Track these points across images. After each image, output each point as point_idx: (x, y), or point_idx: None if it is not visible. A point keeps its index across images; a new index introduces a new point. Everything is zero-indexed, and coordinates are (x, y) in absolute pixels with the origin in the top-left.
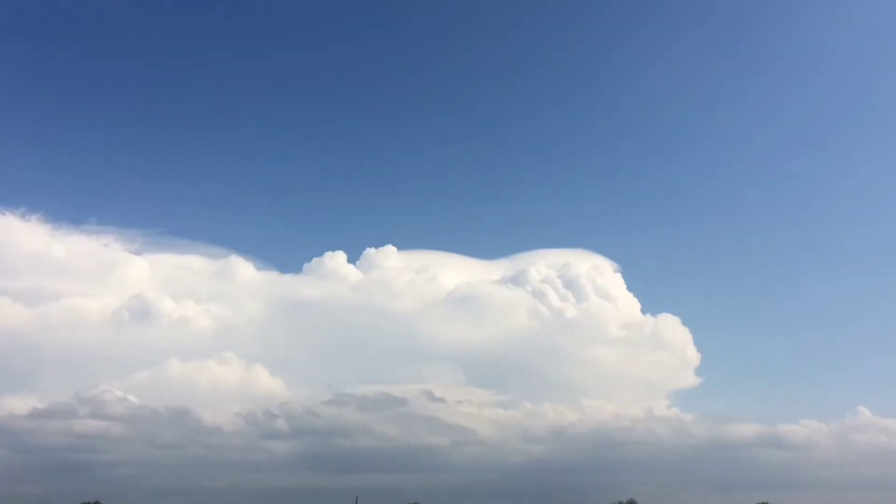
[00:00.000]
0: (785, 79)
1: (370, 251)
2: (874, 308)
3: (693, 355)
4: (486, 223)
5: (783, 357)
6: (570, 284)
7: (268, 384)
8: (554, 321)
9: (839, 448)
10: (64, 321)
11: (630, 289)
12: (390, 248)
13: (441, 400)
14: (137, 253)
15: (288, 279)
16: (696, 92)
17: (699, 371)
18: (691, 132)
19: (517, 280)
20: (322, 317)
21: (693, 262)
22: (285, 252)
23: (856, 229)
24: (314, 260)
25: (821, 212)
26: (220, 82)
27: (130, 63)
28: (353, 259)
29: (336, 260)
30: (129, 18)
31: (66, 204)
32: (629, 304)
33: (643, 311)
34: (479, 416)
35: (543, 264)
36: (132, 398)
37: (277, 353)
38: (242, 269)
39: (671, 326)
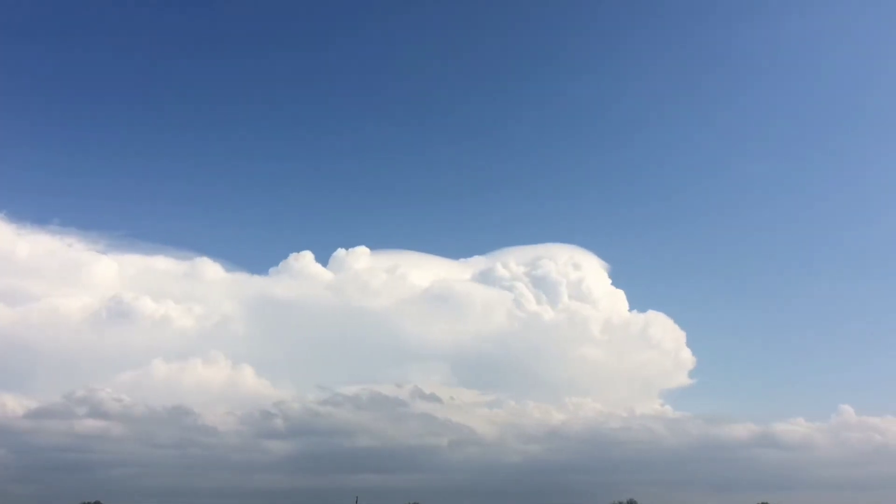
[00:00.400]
0: (783, 80)
1: (340, 251)
2: (861, 309)
3: (686, 354)
4: (466, 222)
5: (776, 357)
6: (555, 282)
7: (256, 384)
8: (539, 319)
9: (834, 447)
10: (46, 321)
11: (622, 288)
12: (362, 249)
13: (433, 399)
14: (104, 254)
15: (261, 280)
16: (693, 91)
17: (693, 370)
18: (687, 131)
19: (497, 277)
20: (301, 317)
21: (685, 261)
22: (250, 254)
23: (851, 233)
24: (282, 262)
25: (816, 214)
26: (185, 84)
27: (94, 63)
28: (319, 260)
29: (303, 260)
30: (105, 17)
31: (29, 204)
32: (617, 301)
33: (634, 309)
34: (473, 415)
35: (525, 260)
36: (124, 398)
37: (262, 354)
38: (213, 270)
39: (660, 324)
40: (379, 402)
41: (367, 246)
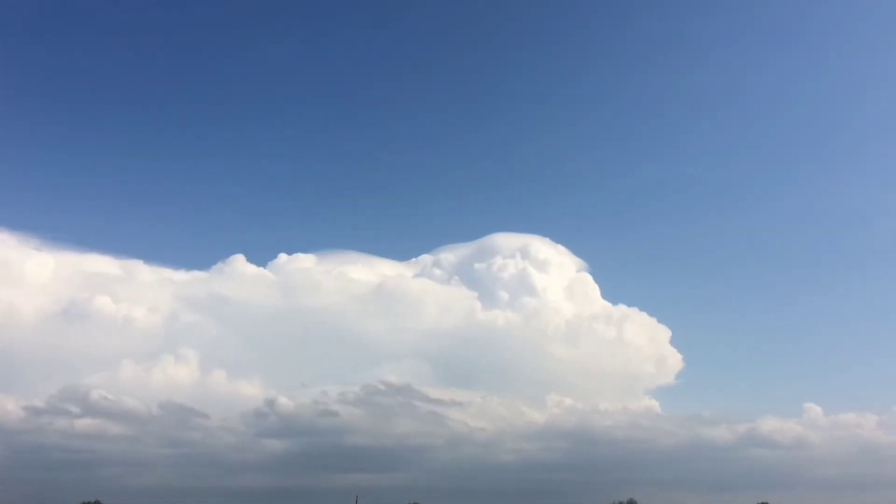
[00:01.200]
0: (774, 81)
1: (283, 256)
2: (843, 311)
3: (672, 352)
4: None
5: (760, 356)
6: (524, 278)
7: (236, 385)
8: (517, 316)
9: (825, 445)
10: (10, 321)
11: (602, 286)
12: (309, 257)
13: (415, 397)
14: (39, 252)
15: (210, 282)
16: (686, 90)
17: (680, 370)
18: (675, 129)
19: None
20: (260, 318)
21: (666, 261)
22: (185, 256)
23: (838, 235)
24: (221, 265)
25: (803, 218)
26: (111, 80)
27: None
28: (259, 262)
29: (238, 263)
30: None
31: None
32: (597, 298)
33: (614, 304)
34: (457, 413)
35: (505, 250)
36: (101, 396)
37: (232, 355)
38: (153, 271)
39: (643, 323)
40: (362, 401)
41: (304, 247)
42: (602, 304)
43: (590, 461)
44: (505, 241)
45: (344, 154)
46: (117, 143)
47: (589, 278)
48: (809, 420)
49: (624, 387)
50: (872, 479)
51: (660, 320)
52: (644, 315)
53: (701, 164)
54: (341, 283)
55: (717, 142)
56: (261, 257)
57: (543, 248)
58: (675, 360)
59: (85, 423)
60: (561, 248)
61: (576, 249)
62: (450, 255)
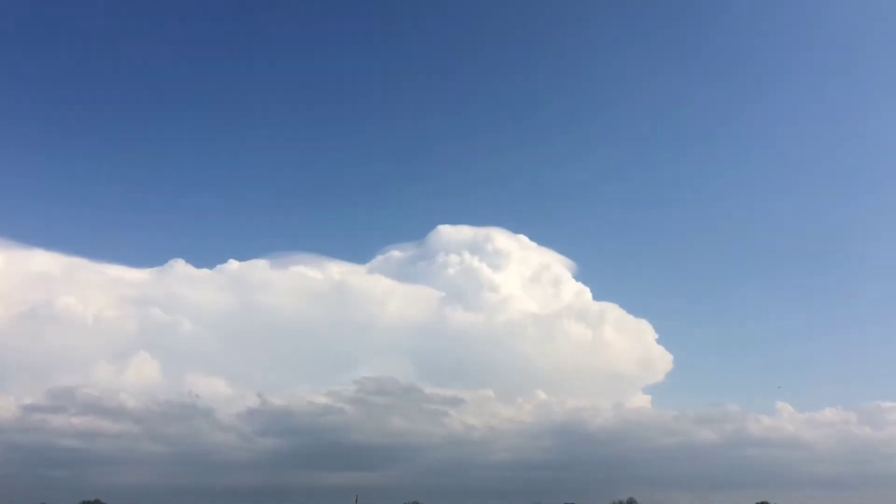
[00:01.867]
0: (774, 88)
1: (233, 262)
2: (828, 311)
3: (660, 351)
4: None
5: (748, 353)
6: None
7: (217, 385)
8: (501, 315)
9: (824, 443)
10: None
11: (588, 285)
12: (263, 262)
13: (407, 395)
14: None
15: (165, 282)
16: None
17: (670, 370)
18: (669, 129)
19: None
20: (228, 319)
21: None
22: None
23: (830, 238)
24: (166, 266)
25: (796, 218)
26: (54, 79)
27: None
28: (195, 264)
29: (179, 265)
30: None
31: None
32: (584, 296)
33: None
34: (449, 412)
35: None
36: (88, 395)
37: (209, 355)
38: (112, 270)
39: (631, 322)
40: (353, 400)
41: (250, 249)
42: (589, 302)
43: (585, 460)
44: (454, 233)
45: (287, 157)
46: (59, 141)
47: (573, 278)
48: (797, 417)
49: (615, 385)
50: (870, 477)
51: (649, 320)
52: (625, 313)
53: (691, 163)
54: (301, 282)
55: (706, 140)
56: (204, 259)
57: (530, 249)
58: (664, 359)
59: (79, 422)
60: (565, 258)
61: (569, 252)
62: (399, 253)
